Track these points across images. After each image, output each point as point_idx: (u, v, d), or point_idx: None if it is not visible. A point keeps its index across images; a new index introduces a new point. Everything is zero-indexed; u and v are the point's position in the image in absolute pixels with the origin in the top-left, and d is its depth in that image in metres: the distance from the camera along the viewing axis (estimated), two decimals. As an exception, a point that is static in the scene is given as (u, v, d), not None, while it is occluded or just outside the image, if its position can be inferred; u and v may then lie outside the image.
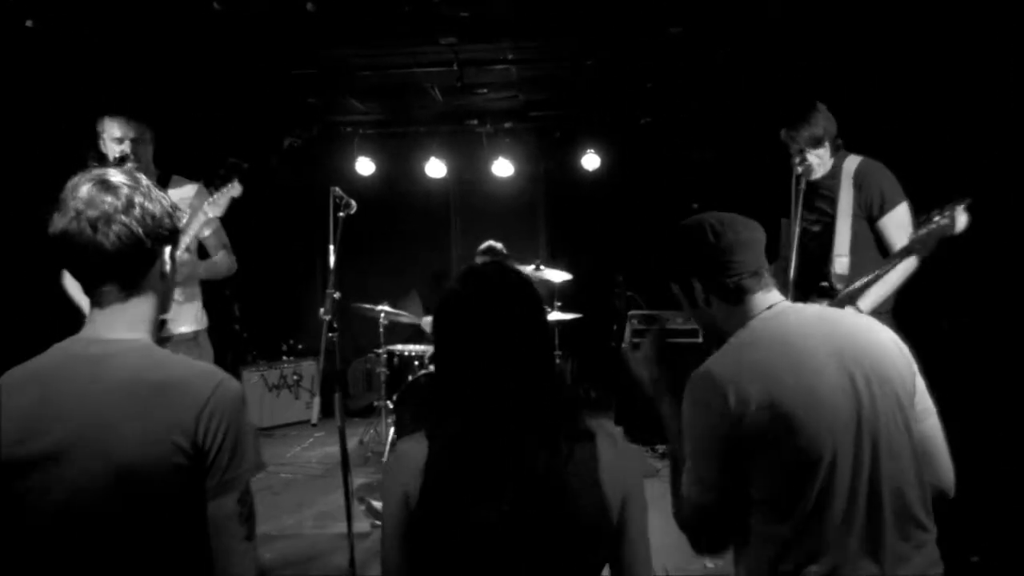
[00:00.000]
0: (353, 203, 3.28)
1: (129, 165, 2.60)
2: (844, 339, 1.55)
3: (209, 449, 1.32)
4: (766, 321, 1.62)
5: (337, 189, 3.18)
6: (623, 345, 6.25)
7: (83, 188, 1.36)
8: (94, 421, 1.29)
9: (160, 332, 3.13)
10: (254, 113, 6.57)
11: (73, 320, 1.72)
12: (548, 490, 1.30)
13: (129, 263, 1.38)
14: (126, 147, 3.20)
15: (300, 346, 7.56)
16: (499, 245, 6.00)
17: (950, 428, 1.67)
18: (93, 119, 3.18)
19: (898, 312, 4.44)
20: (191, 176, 3.51)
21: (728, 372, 1.53)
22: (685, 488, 1.61)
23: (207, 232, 3.36)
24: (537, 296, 1.44)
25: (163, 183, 3.41)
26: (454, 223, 8.04)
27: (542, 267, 5.92)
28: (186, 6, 3.71)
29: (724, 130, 6.35)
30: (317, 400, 3.13)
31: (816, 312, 1.64)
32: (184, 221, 3.17)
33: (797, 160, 3.05)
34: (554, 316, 6.08)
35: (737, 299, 1.67)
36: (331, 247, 3.17)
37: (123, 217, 1.35)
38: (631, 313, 6.28)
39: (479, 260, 5.99)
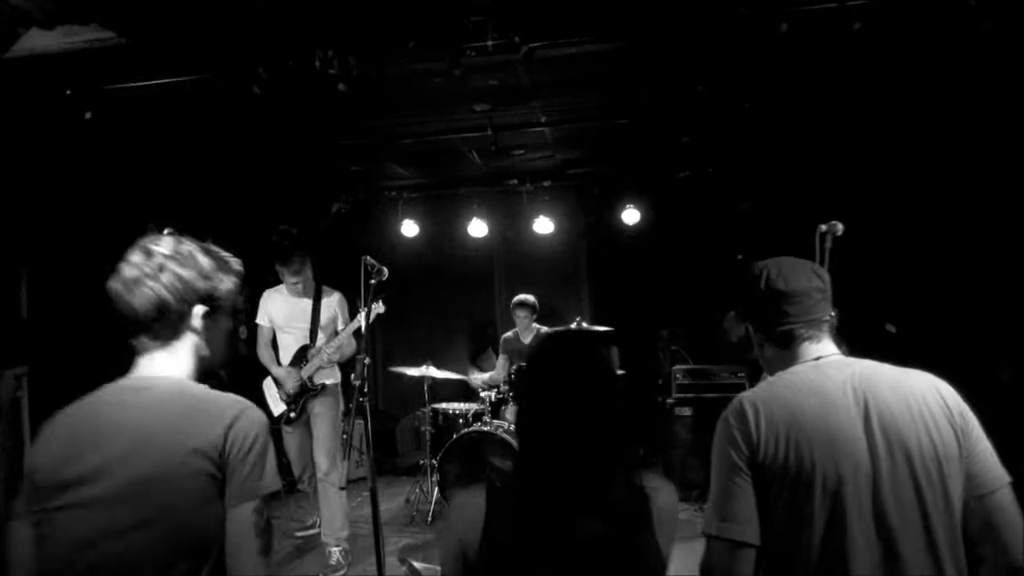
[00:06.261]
0: (385, 270, 3.39)
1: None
2: (878, 401, 1.54)
3: (232, 460, 1.44)
4: (808, 369, 1.64)
5: (368, 257, 3.30)
6: (668, 400, 6.16)
7: (132, 254, 1.55)
8: (130, 439, 1.43)
9: (311, 383, 4.66)
10: (303, 182, 6.87)
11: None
12: (605, 546, 1.36)
13: (155, 320, 1.53)
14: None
15: (350, 405, 7.70)
16: (531, 298, 6.08)
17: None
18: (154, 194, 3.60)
19: (951, 362, 4.32)
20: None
21: (758, 401, 1.57)
22: (705, 524, 1.57)
23: (352, 329, 4.75)
24: (609, 364, 1.56)
25: (318, 292, 4.89)
26: (498, 281, 8.15)
27: (583, 323, 5.94)
28: (235, 92, 3.94)
29: (762, 180, 6.33)
30: (345, 464, 3.23)
31: (860, 370, 1.62)
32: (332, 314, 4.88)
33: None
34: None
35: (786, 344, 1.70)
36: (361, 313, 3.28)
37: (150, 283, 1.51)
38: (675, 368, 6.21)
39: (517, 314, 6.10)
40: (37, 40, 3.52)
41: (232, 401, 1.51)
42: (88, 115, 3.73)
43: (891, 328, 5.19)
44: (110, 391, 1.53)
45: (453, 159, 6.41)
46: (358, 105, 4.52)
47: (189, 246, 1.60)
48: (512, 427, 5.47)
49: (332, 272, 5.20)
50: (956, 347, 4.43)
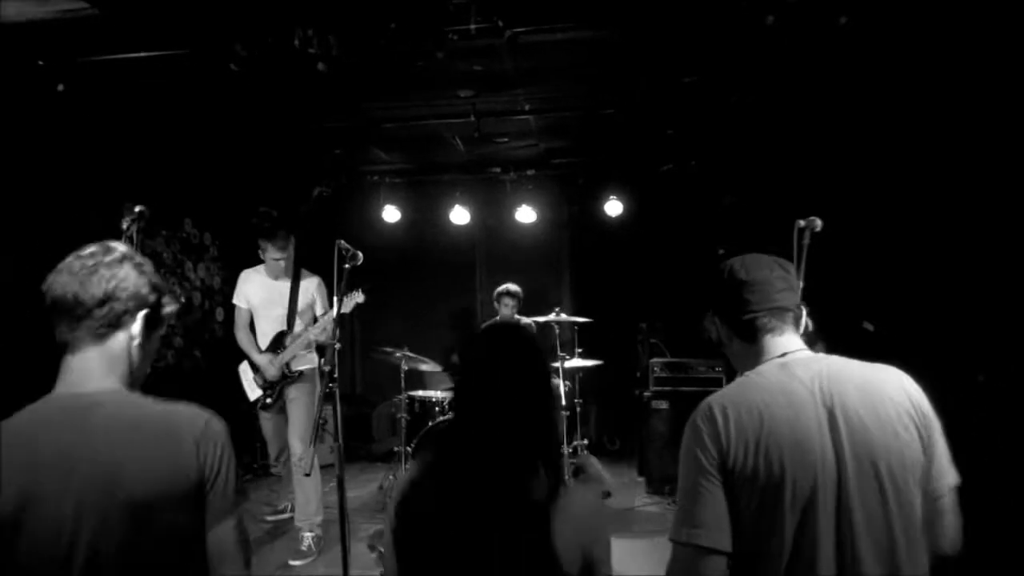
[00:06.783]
0: (359, 254, 3.34)
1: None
2: (845, 402, 1.52)
3: (209, 475, 1.40)
4: (775, 368, 1.61)
5: (342, 241, 3.25)
6: (645, 394, 6.17)
7: (86, 248, 1.51)
8: (95, 467, 1.33)
9: (289, 369, 4.59)
10: (285, 164, 6.79)
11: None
12: (508, 535, 1.34)
13: (99, 307, 1.46)
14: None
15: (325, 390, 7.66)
16: (515, 288, 6.04)
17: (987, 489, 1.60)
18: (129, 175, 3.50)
19: (928, 362, 4.32)
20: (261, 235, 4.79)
21: (727, 405, 1.54)
22: (673, 530, 1.53)
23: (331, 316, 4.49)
24: (541, 362, 1.54)
25: (296, 276, 4.80)
26: (479, 269, 8.11)
27: (562, 314, 5.92)
28: (212, 69, 3.85)
29: (745, 175, 6.33)
30: (311, 449, 3.21)
31: (827, 369, 1.60)
32: (316, 305, 4.83)
33: None
34: (575, 363, 6.06)
35: (750, 337, 1.68)
36: (334, 299, 3.24)
37: (105, 271, 1.47)
38: (653, 361, 6.21)
39: (499, 304, 6.06)
40: (11, 9, 3.43)
41: (193, 413, 1.46)
42: (60, 87, 3.64)
43: (869, 326, 5.20)
44: (54, 409, 1.43)
45: (436, 145, 6.36)
46: (340, 86, 4.45)
47: (140, 257, 1.57)
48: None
49: (312, 256, 5.14)
50: (933, 347, 4.44)
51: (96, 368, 1.47)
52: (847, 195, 5.20)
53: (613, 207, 6.99)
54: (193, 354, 6.54)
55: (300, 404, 4.74)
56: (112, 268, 1.48)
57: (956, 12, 3.01)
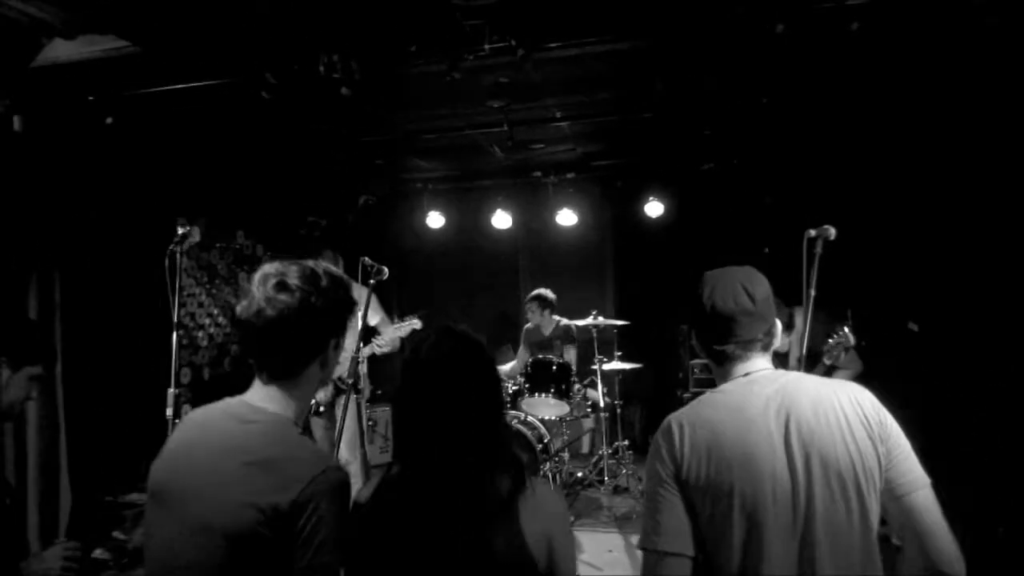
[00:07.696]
0: (384, 269, 3.46)
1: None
2: (799, 416, 1.58)
3: (302, 530, 1.33)
4: (734, 386, 1.69)
5: (366, 258, 3.37)
6: (685, 395, 6.16)
7: (268, 284, 1.49)
8: (203, 473, 1.42)
9: (341, 381, 4.31)
10: (330, 175, 7.01)
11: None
12: (469, 544, 1.41)
13: (293, 355, 1.52)
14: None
15: (378, 392, 7.88)
16: (541, 292, 6.11)
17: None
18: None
19: (972, 361, 4.19)
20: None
21: (684, 421, 1.63)
22: (640, 538, 1.63)
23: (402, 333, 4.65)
24: (481, 365, 1.57)
25: None
26: (522, 272, 8.20)
27: (599, 317, 5.96)
28: (247, 96, 4.04)
29: (787, 174, 6.23)
30: (360, 452, 3.35)
31: (784, 385, 1.65)
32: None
33: None
34: (613, 365, 6.09)
35: (719, 362, 1.75)
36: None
37: (294, 318, 1.48)
38: (693, 362, 6.20)
39: (529, 307, 6.15)
40: (60, 50, 3.70)
41: (313, 460, 1.42)
42: (109, 120, 3.89)
43: (913, 327, 5.08)
44: (227, 412, 1.52)
45: (474, 153, 6.46)
46: (370, 103, 4.60)
47: (325, 279, 1.56)
48: (529, 418, 5.54)
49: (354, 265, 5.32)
50: (978, 346, 4.33)
51: (277, 393, 1.53)
52: (894, 193, 5.08)
53: (654, 208, 6.97)
54: (248, 363, 6.83)
55: (348, 411, 4.92)
56: (298, 312, 1.48)
57: (972, 11, 2.94)
